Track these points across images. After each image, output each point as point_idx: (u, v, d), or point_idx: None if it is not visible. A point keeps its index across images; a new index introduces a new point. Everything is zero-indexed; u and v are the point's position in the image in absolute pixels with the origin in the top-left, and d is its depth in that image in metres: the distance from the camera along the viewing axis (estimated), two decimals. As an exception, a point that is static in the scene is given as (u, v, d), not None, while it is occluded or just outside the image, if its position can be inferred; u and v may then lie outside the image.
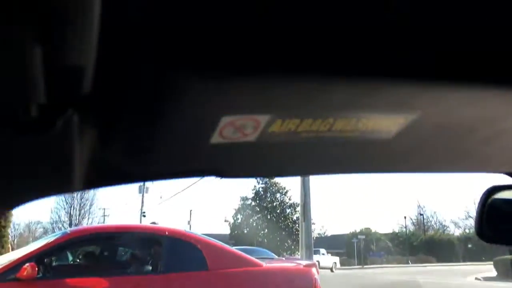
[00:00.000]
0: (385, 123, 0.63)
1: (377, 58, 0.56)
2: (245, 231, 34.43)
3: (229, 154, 0.69)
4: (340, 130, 0.63)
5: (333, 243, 37.20)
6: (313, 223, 22.65)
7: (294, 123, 0.61)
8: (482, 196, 1.31)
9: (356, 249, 35.59)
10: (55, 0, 0.39)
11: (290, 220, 33.94)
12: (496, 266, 20.81)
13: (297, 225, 24.59)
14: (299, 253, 15.76)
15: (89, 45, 0.43)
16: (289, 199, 35.03)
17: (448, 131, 0.67)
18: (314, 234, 25.34)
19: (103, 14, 0.42)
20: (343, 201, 73.11)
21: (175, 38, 0.49)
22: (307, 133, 0.63)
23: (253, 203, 35.56)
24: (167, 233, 4.33)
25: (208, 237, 4.60)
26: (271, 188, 35.49)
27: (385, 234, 42.10)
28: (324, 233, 41.08)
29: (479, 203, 1.31)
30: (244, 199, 36.10)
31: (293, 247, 30.80)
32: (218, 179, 0.78)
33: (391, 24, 0.53)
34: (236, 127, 0.60)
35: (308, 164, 0.78)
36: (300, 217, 15.05)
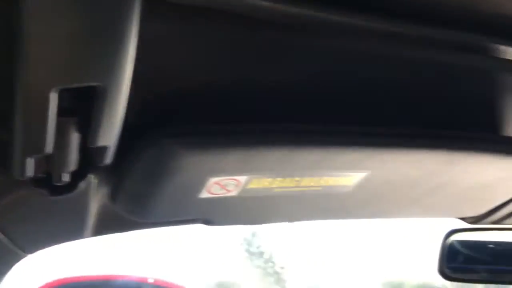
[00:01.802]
0: (342, 181, 0.79)
1: (333, 131, 0.73)
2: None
3: (215, 206, 0.84)
4: (306, 186, 0.79)
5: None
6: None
7: (268, 181, 0.76)
8: (443, 238, 1.47)
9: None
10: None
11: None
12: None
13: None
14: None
15: (115, 130, 0.59)
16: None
17: (395, 186, 0.84)
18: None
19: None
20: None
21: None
22: (279, 189, 0.78)
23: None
24: (151, 281, 4.36)
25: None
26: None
27: None
28: None
29: (440, 245, 1.46)
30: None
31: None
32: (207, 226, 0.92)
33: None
34: (221, 186, 0.75)
35: (281, 213, 0.93)
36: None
